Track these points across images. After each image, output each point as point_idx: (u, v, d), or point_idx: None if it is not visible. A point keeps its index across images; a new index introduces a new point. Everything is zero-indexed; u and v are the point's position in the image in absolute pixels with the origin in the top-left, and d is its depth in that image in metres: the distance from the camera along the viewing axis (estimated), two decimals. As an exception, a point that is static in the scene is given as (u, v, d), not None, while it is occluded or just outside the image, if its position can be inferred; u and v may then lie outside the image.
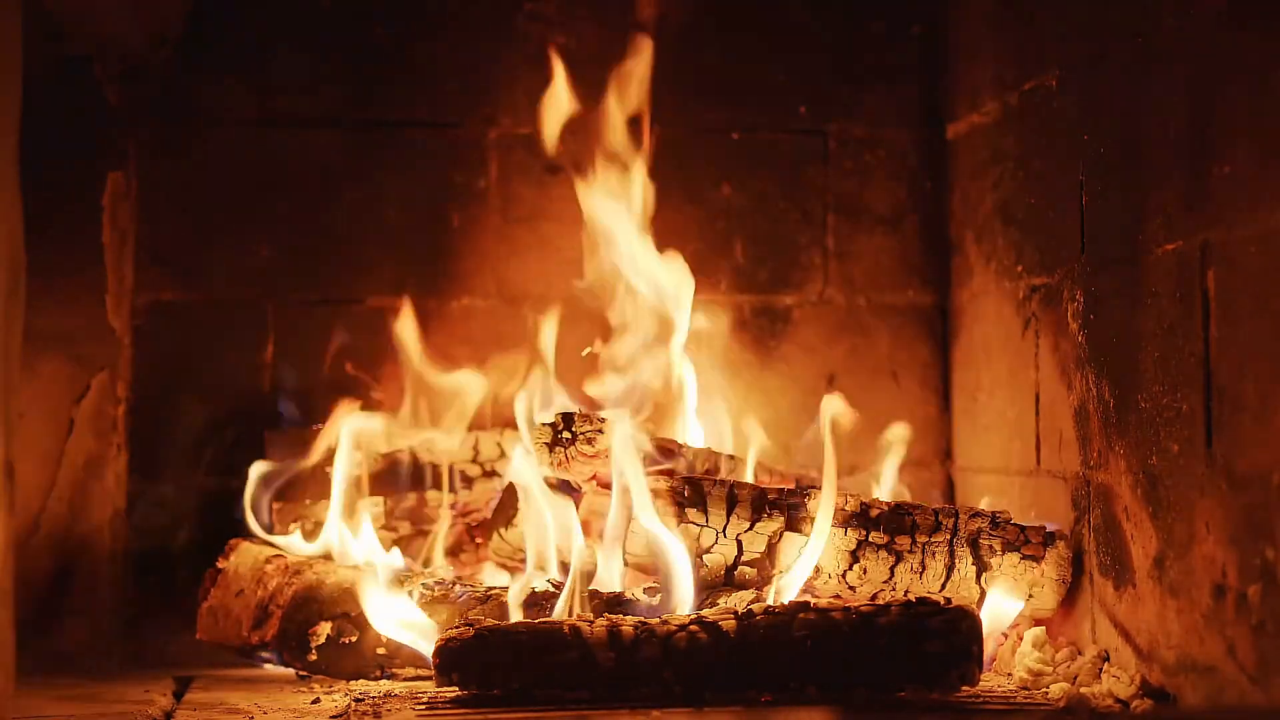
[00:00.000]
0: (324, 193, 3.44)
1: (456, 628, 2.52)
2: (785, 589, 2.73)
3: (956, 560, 2.79)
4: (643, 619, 2.51)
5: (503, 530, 3.01)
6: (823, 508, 2.76)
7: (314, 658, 2.87)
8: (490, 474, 3.28)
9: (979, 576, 2.79)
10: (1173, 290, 2.43)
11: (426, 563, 3.11)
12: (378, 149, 3.46)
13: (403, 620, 2.77)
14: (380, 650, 2.83)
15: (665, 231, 3.27)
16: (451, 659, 2.48)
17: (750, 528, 2.79)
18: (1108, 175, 2.70)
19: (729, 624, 2.47)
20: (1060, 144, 2.89)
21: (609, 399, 3.12)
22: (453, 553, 3.19)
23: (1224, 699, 2.29)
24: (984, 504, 3.05)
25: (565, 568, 2.90)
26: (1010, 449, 3.13)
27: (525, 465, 2.92)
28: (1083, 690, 2.57)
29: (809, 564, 2.74)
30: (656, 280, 3.17)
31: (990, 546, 2.80)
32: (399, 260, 3.45)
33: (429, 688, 2.65)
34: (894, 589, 2.79)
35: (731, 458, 3.07)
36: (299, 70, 3.44)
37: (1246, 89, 2.26)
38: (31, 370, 3.10)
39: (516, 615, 2.74)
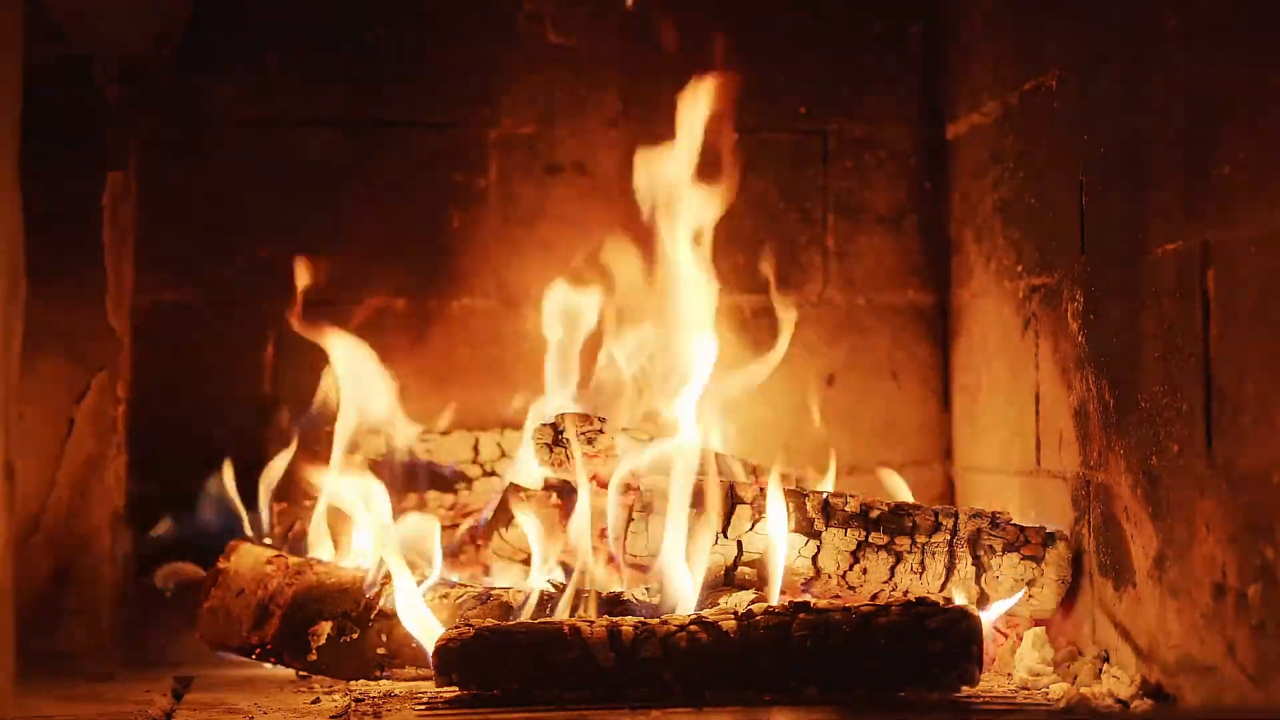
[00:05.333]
0: (324, 193, 3.44)
1: (456, 628, 2.52)
2: (771, 582, 2.74)
3: (956, 561, 2.79)
4: (643, 619, 2.51)
5: (503, 530, 3.01)
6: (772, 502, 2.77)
7: (314, 658, 2.87)
8: (490, 474, 3.29)
9: (979, 577, 2.80)
10: (1173, 290, 2.43)
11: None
12: (378, 149, 3.46)
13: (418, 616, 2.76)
14: (380, 650, 2.83)
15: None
16: (451, 659, 2.48)
17: (751, 528, 2.79)
18: (1108, 175, 2.70)
19: (729, 624, 2.47)
20: (1060, 144, 2.89)
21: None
22: (453, 553, 3.19)
23: (1224, 699, 2.29)
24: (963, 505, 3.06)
25: (565, 569, 2.91)
26: (1010, 449, 3.13)
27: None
28: (1083, 690, 2.57)
29: (780, 548, 2.75)
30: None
31: (990, 547, 2.80)
32: (399, 260, 3.45)
33: (429, 688, 2.65)
34: (894, 589, 2.79)
35: (732, 458, 3.07)
36: (299, 70, 3.44)
37: (1246, 89, 2.26)
38: (31, 370, 3.09)
39: (523, 618, 2.73)
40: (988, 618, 2.75)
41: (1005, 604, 2.79)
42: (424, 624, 2.72)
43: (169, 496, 3.32)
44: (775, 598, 2.72)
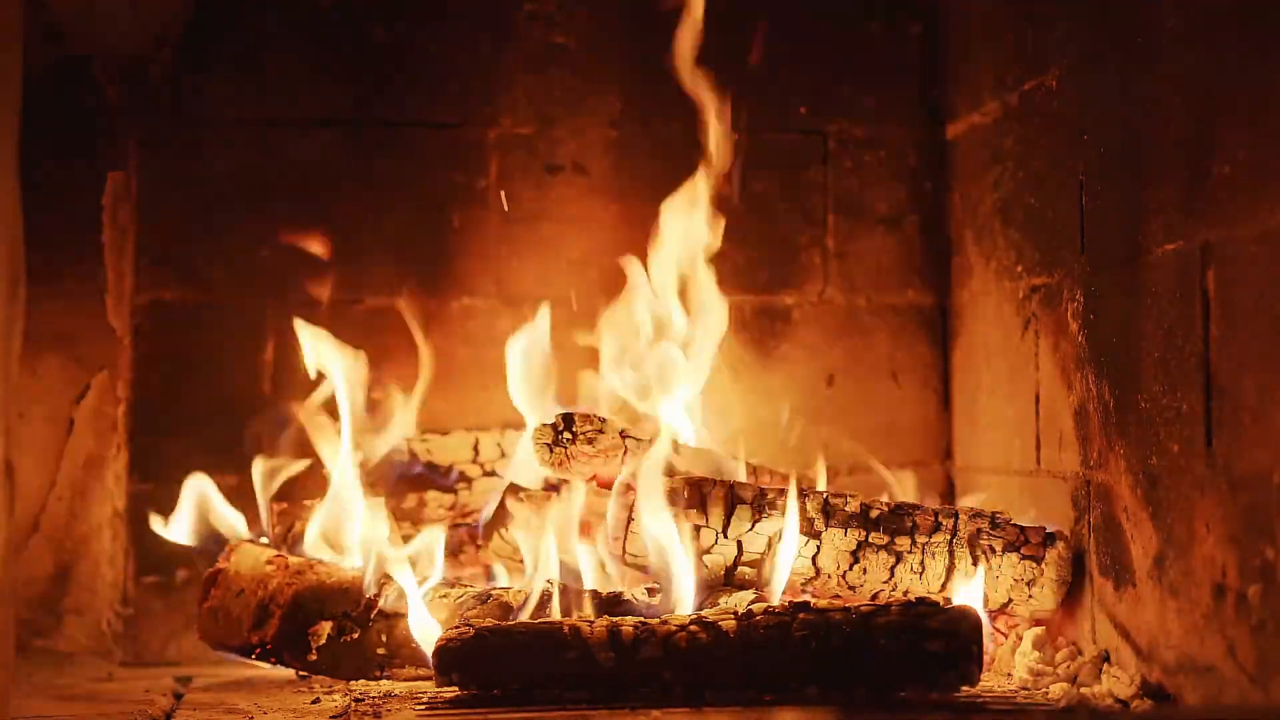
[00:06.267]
0: (324, 193, 3.44)
1: (456, 628, 2.52)
2: (774, 582, 2.73)
3: (956, 561, 2.79)
4: (643, 619, 2.51)
5: (503, 530, 3.01)
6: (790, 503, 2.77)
7: (314, 658, 2.86)
8: (490, 474, 3.28)
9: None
10: (1173, 290, 2.43)
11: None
12: (378, 149, 3.46)
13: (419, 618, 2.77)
14: (380, 650, 2.83)
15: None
16: (451, 659, 2.48)
17: (751, 528, 2.79)
18: (1108, 175, 2.70)
19: (729, 624, 2.47)
20: (1060, 144, 2.89)
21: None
22: (453, 553, 3.19)
23: (1224, 699, 2.29)
24: (970, 501, 3.06)
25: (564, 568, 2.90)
26: (1010, 449, 3.13)
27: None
28: (1083, 690, 2.57)
29: (789, 552, 2.75)
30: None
31: (990, 547, 2.80)
32: (399, 260, 3.45)
33: (429, 688, 2.65)
34: (894, 589, 2.79)
35: (732, 458, 3.07)
36: (299, 70, 3.44)
37: (1246, 89, 2.26)
38: (31, 370, 3.10)
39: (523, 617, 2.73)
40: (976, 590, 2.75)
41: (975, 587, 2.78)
42: (424, 625, 2.72)
43: (169, 496, 3.32)
44: (777, 597, 2.71)
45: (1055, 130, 2.92)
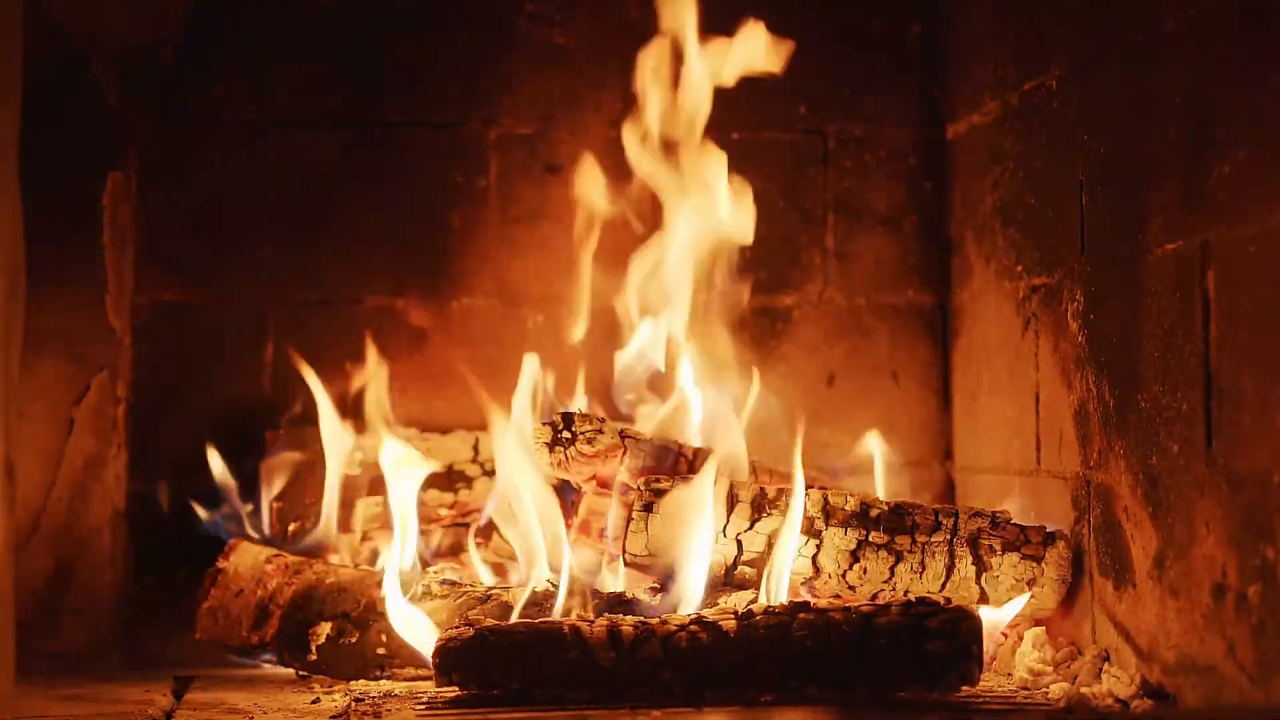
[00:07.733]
0: (324, 193, 3.44)
1: (456, 628, 2.52)
2: (775, 582, 2.73)
3: (956, 560, 2.79)
4: (643, 619, 2.51)
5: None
6: (794, 500, 2.77)
7: (314, 658, 2.87)
8: (490, 474, 3.28)
9: (979, 577, 2.80)
10: (1173, 290, 2.44)
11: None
12: (378, 149, 3.46)
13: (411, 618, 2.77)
14: (380, 650, 2.83)
15: (665, 232, 3.28)
16: (451, 659, 2.48)
17: (750, 527, 2.79)
18: (1108, 175, 2.70)
19: (729, 624, 2.47)
20: (1060, 144, 2.89)
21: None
22: (453, 553, 3.19)
23: (1224, 699, 2.29)
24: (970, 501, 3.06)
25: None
26: (1010, 449, 3.13)
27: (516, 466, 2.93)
28: (1083, 690, 2.57)
29: (789, 553, 2.75)
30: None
31: (990, 546, 2.80)
32: (399, 260, 3.45)
33: (429, 688, 2.65)
34: (894, 589, 2.79)
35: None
36: (299, 70, 3.44)
37: (1246, 89, 2.26)
38: (31, 370, 3.09)
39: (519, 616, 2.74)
40: (994, 617, 2.74)
41: (1013, 607, 2.78)
42: (416, 628, 2.73)
43: (169, 496, 3.32)
44: (780, 597, 2.71)
45: (1055, 130, 2.92)
